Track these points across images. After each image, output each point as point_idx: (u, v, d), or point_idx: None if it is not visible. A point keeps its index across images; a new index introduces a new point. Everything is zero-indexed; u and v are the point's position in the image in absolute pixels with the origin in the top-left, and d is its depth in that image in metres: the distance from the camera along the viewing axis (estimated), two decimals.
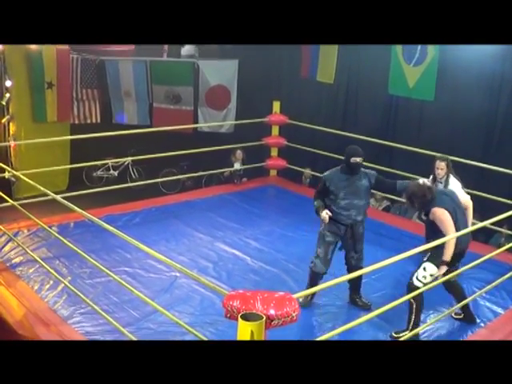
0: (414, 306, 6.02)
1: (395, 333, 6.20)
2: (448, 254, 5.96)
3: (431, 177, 7.57)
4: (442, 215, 6.02)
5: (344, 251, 6.80)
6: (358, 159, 6.47)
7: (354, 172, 6.53)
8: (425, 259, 6.12)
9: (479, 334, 6.36)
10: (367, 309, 6.65)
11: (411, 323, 6.05)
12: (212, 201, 10.53)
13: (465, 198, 6.80)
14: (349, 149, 6.61)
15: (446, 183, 7.39)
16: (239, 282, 7.27)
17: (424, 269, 6.05)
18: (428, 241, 6.01)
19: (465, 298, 6.41)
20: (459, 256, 6.21)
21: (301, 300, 6.24)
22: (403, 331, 6.08)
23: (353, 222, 6.60)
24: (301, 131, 11.85)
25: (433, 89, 10.15)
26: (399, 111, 10.96)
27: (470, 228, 6.32)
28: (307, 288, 6.54)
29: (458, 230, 5.99)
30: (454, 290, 6.45)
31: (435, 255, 6.02)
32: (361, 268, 6.42)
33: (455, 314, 6.61)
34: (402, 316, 6.17)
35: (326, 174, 6.71)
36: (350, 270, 6.66)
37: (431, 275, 6.02)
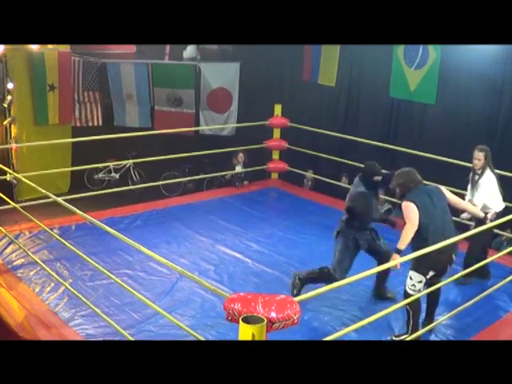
0: (411, 314, 5.95)
1: (395, 336, 6.20)
2: (402, 243, 5.85)
3: (472, 168, 7.50)
4: (406, 207, 5.89)
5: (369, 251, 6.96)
6: (379, 178, 6.82)
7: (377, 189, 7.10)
8: (410, 267, 6.00)
9: (480, 336, 6.34)
10: (393, 300, 6.71)
11: (410, 327, 5.99)
12: (213, 203, 10.54)
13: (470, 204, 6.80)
14: (369, 166, 6.96)
15: (481, 174, 7.30)
16: (240, 285, 7.27)
17: (410, 277, 5.97)
18: (412, 241, 5.92)
19: (416, 316, 6.06)
20: (442, 263, 5.97)
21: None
22: (403, 334, 6.07)
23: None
24: (302, 134, 11.86)
25: (434, 92, 10.16)
26: (400, 114, 10.96)
27: (454, 239, 5.80)
28: (309, 276, 6.85)
29: (434, 232, 5.80)
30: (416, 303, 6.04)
31: (417, 262, 5.88)
32: (390, 255, 6.27)
33: (395, 336, 6.29)
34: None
35: (362, 188, 6.79)
36: (381, 259, 6.69)
37: (419, 282, 5.91)
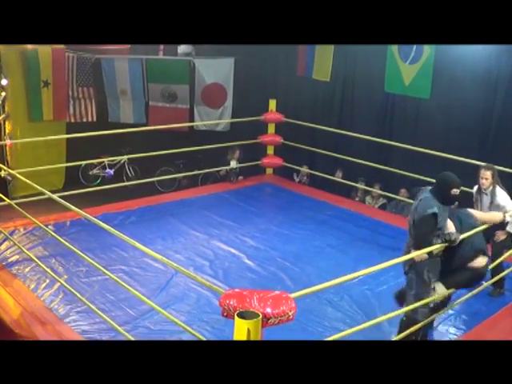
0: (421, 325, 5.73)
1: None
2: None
3: (476, 187, 7.15)
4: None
5: None
6: (458, 191, 5.57)
7: (452, 204, 5.77)
8: (436, 279, 5.68)
9: (476, 331, 6.37)
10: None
11: (419, 338, 5.79)
12: (208, 199, 10.54)
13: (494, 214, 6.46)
14: (447, 178, 5.63)
15: (493, 195, 6.88)
16: (235, 280, 7.28)
17: (434, 289, 5.63)
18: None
19: (427, 328, 5.95)
20: (473, 281, 5.90)
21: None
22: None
23: None
24: (297, 129, 11.86)
25: (429, 87, 10.16)
26: (395, 109, 10.96)
27: None
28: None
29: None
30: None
31: (451, 278, 5.67)
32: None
33: None
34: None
35: (434, 209, 5.46)
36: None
37: (440, 300, 5.74)
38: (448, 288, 5.68)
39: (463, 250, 5.59)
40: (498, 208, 6.83)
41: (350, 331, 5.19)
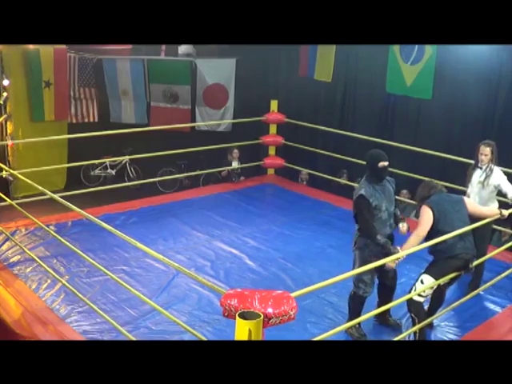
0: (417, 321, 5.77)
1: None
2: (406, 246, 5.72)
3: (473, 163, 7.18)
4: (422, 211, 5.88)
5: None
6: (386, 163, 5.93)
7: (383, 178, 6.01)
8: (423, 270, 5.91)
9: (477, 331, 6.35)
10: (398, 328, 6.32)
11: (417, 335, 5.83)
12: (210, 199, 10.54)
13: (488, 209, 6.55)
14: (373, 153, 6.08)
15: (490, 172, 6.92)
16: (237, 281, 7.28)
17: (421, 281, 5.78)
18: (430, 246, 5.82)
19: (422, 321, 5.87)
20: (458, 269, 5.90)
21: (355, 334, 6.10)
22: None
23: (391, 231, 6.08)
24: (298, 130, 11.87)
25: (430, 87, 10.16)
26: (397, 110, 10.96)
27: (460, 230, 5.76)
28: (352, 318, 5.99)
29: (452, 239, 5.72)
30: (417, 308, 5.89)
31: (434, 267, 5.84)
32: (395, 286, 6.25)
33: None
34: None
35: (361, 191, 5.87)
36: (385, 289, 6.29)
37: (431, 288, 5.80)
38: (435, 278, 5.76)
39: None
40: (492, 187, 6.97)
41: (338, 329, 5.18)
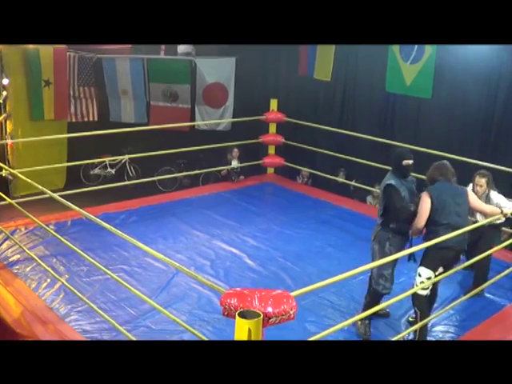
0: (419, 314, 5.87)
1: (412, 318, 6.29)
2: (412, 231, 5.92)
3: (470, 186, 7.15)
4: (422, 199, 5.92)
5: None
6: (410, 161, 6.09)
7: (407, 175, 6.14)
8: (419, 264, 5.98)
9: (477, 330, 6.36)
10: (387, 317, 6.50)
11: (418, 330, 5.88)
12: (209, 199, 10.54)
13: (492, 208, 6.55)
14: (398, 151, 6.29)
15: (487, 199, 6.92)
16: (236, 280, 7.28)
17: (419, 274, 5.89)
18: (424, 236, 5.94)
19: (426, 316, 5.97)
20: (450, 259, 5.98)
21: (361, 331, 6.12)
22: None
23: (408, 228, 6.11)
24: (298, 129, 11.86)
25: (430, 86, 10.16)
26: (396, 109, 10.96)
27: (466, 229, 5.85)
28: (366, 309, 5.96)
29: (448, 225, 5.80)
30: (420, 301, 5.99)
31: (427, 258, 5.91)
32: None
33: (412, 317, 6.38)
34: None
35: (389, 182, 6.01)
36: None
37: (428, 278, 5.85)
38: (431, 268, 5.85)
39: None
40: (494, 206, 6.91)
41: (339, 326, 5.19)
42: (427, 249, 5.84)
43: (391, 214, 6.00)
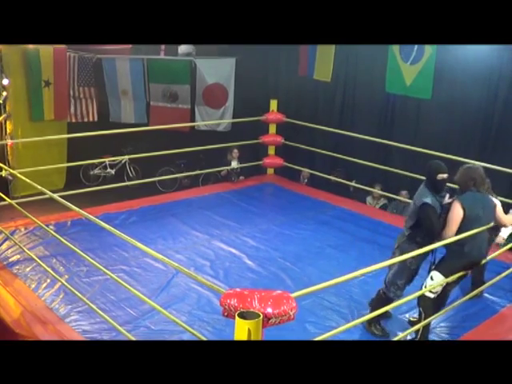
0: (423, 316, 5.86)
1: (413, 318, 6.32)
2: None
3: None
4: (454, 208, 5.81)
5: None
6: (445, 175, 5.92)
7: (441, 190, 6.00)
8: (433, 267, 5.97)
9: (477, 331, 6.35)
10: (389, 317, 6.49)
11: (420, 331, 5.89)
12: (209, 199, 10.54)
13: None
14: (433, 165, 6.02)
15: None
16: (236, 281, 7.28)
17: (431, 278, 5.88)
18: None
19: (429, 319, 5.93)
20: (467, 269, 6.00)
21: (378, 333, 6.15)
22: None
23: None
24: (298, 130, 11.86)
25: (430, 87, 10.16)
26: (396, 109, 10.96)
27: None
28: (373, 317, 5.90)
29: (471, 238, 5.76)
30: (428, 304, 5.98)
31: (444, 264, 5.91)
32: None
33: (413, 317, 6.42)
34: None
35: (426, 201, 5.82)
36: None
37: (440, 285, 5.87)
38: (444, 275, 5.84)
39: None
40: None
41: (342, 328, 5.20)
42: (448, 256, 5.86)
43: (424, 230, 5.90)
